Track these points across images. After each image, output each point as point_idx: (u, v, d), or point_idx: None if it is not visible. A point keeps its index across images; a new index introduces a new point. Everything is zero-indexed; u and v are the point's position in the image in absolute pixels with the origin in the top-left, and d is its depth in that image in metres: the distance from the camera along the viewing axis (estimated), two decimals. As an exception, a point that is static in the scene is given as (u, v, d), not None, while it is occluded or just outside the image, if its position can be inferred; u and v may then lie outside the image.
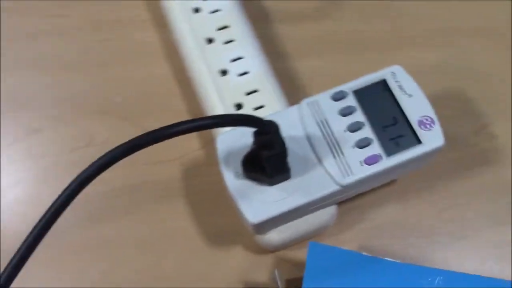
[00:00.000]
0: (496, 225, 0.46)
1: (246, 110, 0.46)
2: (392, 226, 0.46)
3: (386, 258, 0.40)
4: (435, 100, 0.41)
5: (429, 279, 0.39)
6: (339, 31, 0.55)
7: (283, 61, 0.53)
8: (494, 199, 0.47)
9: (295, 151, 0.40)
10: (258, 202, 0.38)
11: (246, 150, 0.38)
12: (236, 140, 0.40)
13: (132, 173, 0.48)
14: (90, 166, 0.27)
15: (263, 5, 0.56)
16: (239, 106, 0.46)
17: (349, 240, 0.46)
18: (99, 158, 0.27)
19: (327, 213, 0.43)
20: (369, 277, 0.40)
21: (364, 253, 0.40)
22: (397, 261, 0.40)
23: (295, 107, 0.42)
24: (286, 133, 0.39)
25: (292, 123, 0.41)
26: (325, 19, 0.55)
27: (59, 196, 0.27)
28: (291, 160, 0.38)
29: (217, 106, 0.46)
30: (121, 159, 0.28)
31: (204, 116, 0.37)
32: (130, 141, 0.28)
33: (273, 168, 0.37)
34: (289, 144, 0.38)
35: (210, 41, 0.49)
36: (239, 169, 0.39)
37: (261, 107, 0.46)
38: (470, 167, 0.49)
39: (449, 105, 0.51)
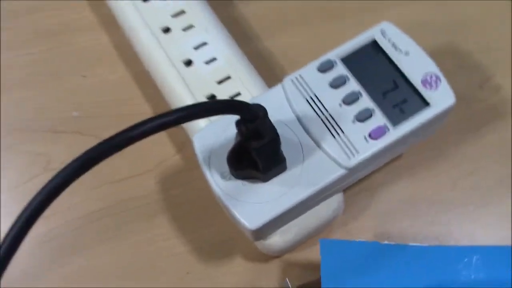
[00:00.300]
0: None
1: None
2: (407, 206, 0.41)
3: (409, 244, 0.34)
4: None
5: (465, 260, 0.34)
6: (308, 1, 0.49)
7: (253, 42, 0.48)
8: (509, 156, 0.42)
9: (287, 138, 0.34)
10: (254, 203, 0.32)
11: (230, 145, 0.32)
12: (216, 135, 0.34)
13: (104, 193, 0.42)
14: (34, 198, 0.20)
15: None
16: (212, 97, 0.40)
17: (362, 229, 0.40)
18: (47, 184, 0.21)
19: (333, 203, 0.37)
20: (395, 268, 0.34)
21: (384, 242, 0.35)
22: (423, 244, 0.35)
23: (277, 87, 0.36)
24: (273, 118, 0.33)
25: (278, 105, 0.35)
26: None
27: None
28: (284, 148, 0.33)
29: (187, 102, 0.40)
30: (75, 179, 0.21)
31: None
32: (82, 155, 0.22)
33: (265, 161, 0.31)
34: (279, 130, 0.32)
35: (166, 30, 0.43)
36: (225, 168, 0.33)
37: (237, 95, 0.40)
38: (482, 125, 0.43)
39: (446, 62, 0.45)
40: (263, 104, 0.32)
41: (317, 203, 0.35)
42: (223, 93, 0.40)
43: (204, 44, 0.42)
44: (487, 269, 0.33)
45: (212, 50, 0.42)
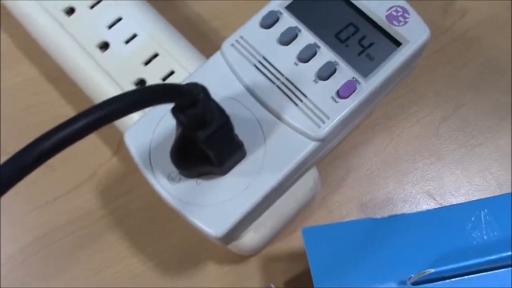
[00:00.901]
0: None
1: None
2: (389, 166, 0.35)
3: (405, 213, 0.29)
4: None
5: (473, 219, 0.28)
6: None
7: (177, 8, 0.40)
8: (494, 85, 0.37)
9: (240, 116, 0.27)
10: (215, 205, 0.26)
11: (171, 138, 0.26)
12: (151, 129, 0.27)
13: (38, 219, 0.35)
14: None
15: None
16: (141, 82, 0.33)
17: (344, 202, 0.35)
18: None
19: (308, 182, 0.31)
20: (394, 244, 0.29)
21: (377, 217, 0.29)
22: (420, 210, 0.29)
23: (216, 55, 0.29)
24: (219, 96, 0.26)
25: (221, 78, 0.28)
26: None
27: None
28: (239, 130, 0.26)
29: (112, 93, 0.32)
30: None
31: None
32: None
33: (218, 152, 0.25)
34: (228, 109, 0.26)
35: (70, 11, 0.35)
36: (172, 168, 0.26)
37: (171, 74, 0.33)
38: (454, 55, 0.38)
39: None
40: (202, 80, 0.26)
41: (290, 186, 0.29)
42: (153, 75, 0.33)
43: (119, 19, 0.34)
44: (501, 224, 0.28)
45: (130, 25, 0.34)
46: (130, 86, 0.33)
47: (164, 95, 0.20)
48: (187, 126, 0.23)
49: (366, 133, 0.36)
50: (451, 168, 0.35)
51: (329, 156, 0.35)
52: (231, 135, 0.25)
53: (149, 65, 0.33)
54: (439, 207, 0.29)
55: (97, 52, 0.34)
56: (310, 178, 0.31)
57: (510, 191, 0.34)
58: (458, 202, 0.34)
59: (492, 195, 0.34)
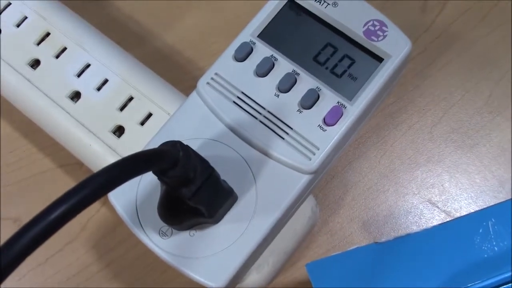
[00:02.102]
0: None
1: (130, 130, 0.31)
2: (387, 178, 0.34)
3: (411, 232, 0.28)
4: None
5: (481, 230, 0.27)
6: None
7: (147, 42, 0.39)
8: (485, 79, 0.36)
9: (226, 158, 0.26)
10: (211, 256, 0.25)
11: (158, 191, 0.24)
12: (135, 184, 0.26)
13: (34, 281, 0.34)
14: None
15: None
16: (119, 130, 0.32)
17: (346, 224, 0.33)
18: None
19: (306, 211, 0.30)
20: (404, 266, 0.27)
21: (382, 240, 0.28)
22: (426, 227, 0.28)
23: (192, 96, 0.28)
24: (201, 139, 0.25)
25: (201, 120, 0.27)
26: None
27: None
28: (227, 174, 0.25)
29: (90, 145, 0.31)
30: None
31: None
32: None
33: (208, 204, 0.23)
34: (213, 152, 0.25)
35: (35, 63, 0.33)
36: (162, 223, 0.25)
37: (148, 116, 0.31)
38: (438, 55, 0.37)
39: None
40: (181, 125, 0.25)
41: (287, 220, 0.28)
42: (130, 120, 0.31)
43: (87, 66, 0.33)
44: (510, 233, 0.27)
45: (99, 71, 0.33)
46: (107, 135, 0.31)
47: (142, 166, 0.19)
48: (171, 185, 0.22)
49: (359, 148, 0.35)
50: (450, 172, 0.34)
51: (324, 177, 0.34)
52: (218, 185, 0.23)
53: (125, 110, 0.32)
54: (443, 223, 0.28)
55: (69, 103, 0.32)
56: (307, 207, 0.30)
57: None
58: (462, 206, 0.33)
59: (495, 195, 0.33)
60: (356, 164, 0.34)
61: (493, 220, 0.27)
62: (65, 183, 0.35)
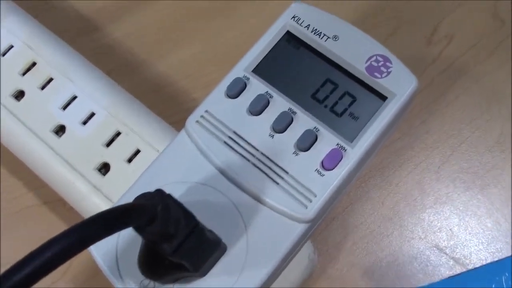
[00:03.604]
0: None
1: (116, 168, 0.29)
2: (391, 221, 0.32)
3: (419, 287, 0.25)
4: (357, 27, 0.27)
5: (493, 286, 0.25)
6: (174, 8, 0.39)
7: (137, 72, 0.37)
8: (495, 115, 0.34)
9: (215, 204, 0.24)
10: (198, 312, 0.22)
11: (139, 240, 0.22)
12: (115, 234, 0.24)
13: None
14: None
15: (67, 12, 0.39)
16: (105, 167, 0.30)
17: (346, 269, 0.31)
18: None
19: (303, 260, 0.28)
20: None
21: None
22: (434, 282, 0.26)
23: (181, 135, 0.26)
24: (189, 183, 0.23)
25: (189, 161, 0.25)
26: (144, 5, 0.39)
27: None
28: (215, 222, 0.23)
29: (73, 183, 0.29)
30: None
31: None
32: None
33: (192, 259, 0.21)
34: (200, 197, 0.23)
35: (20, 94, 0.32)
36: (142, 277, 0.23)
37: (136, 153, 0.29)
38: (445, 88, 0.35)
39: (375, 25, 0.36)
40: (167, 168, 0.23)
41: (282, 270, 0.26)
42: (117, 157, 0.30)
43: (73, 98, 0.31)
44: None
45: (86, 103, 0.31)
46: (92, 173, 0.29)
47: (114, 225, 0.17)
48: (150, 240, 0.20)
49: (361, 187, 0.33)
50: (459, 215, 0.32)
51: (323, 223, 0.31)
52: (203, 238, 0.21)
53: (112, 145, 0.30)
54: (452, 276, 0.26)
55: (53, 138, 0.30)
56: (304, 255, 0.28)
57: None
58: (472, 253, 0.31)
59: (508, 241, 0.31)
60: (357, 205, 0.32)
61: (507, 275, 0.25)
62: (49, 221, 0.33)
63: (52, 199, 0.34)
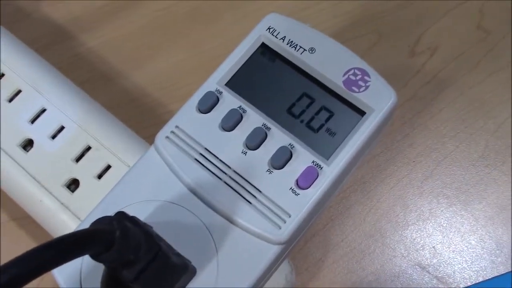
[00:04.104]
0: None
1: (86, 184, 0.28)
2: (372, 238, 0.31)
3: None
4: (337, 40, 0.25)
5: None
6: (150, 18, 0.37)
7: (112, 83, 0.36)
8: (480, 129, 0.33)
9: (185, 224, 0.23)
10: None
11: (101, 270, 0.21)
12: (80, 261, 0.23)
13: None
14: None
15: (42, 21, 0.38)
16: (74, 183, 0.28)
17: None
18: None
19: (279, 280, 0.27)
20: None
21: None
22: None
23: (150, 151, 0.25)
24: (157, 202, 0.22)
25: (159, 179, 0.24)
26: (122, 12, 0.38)
27: None
28: (184, 242, 0.22)
29: (41, 201, 0.28)
30: None
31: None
32: None
33: (155, 285, 0.20)
34: (170, 220, 0.21)
35: (-14, 107, 0.30)
36: (107, 302, 0.22)
37: (107, 168, 0.28)
38: (429, 100, 0.34)
39: (357, 36, 0.35)
40: (135, 185, 0.22)
41: (256, 293, 0.25)
42: (86, 173, 0.28)
43: (43, 111, 0.30)
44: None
45: (55, 116, 0.30)
46: (60, 190, 0.28)
47: (66, 254, 0.16)
48: (111, 269, 0.18)
49: (342, 203, 0.31)
50: (442, 232, 0.31)
51: (303, 241, 0.30)
52: (168, 263, 0.20)
53: (81, 161, 0.29)
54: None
55: (20, 152, 0.29)
56: (280, 276, 0.27)
57: (512, 252, 0.30)
58: (455, 271, 0.30)
59: (493, 260, 0.30)
60: (338, 221, 0.31)
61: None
62: (18, 238, 0.32)
63: (21, 216, 0.32)
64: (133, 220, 0.19)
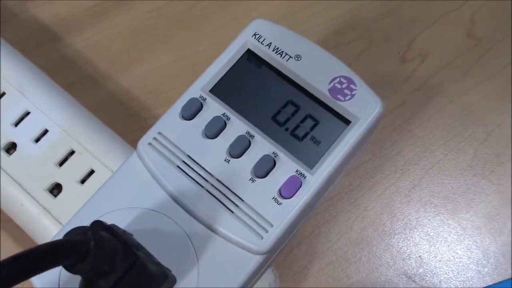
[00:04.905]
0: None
1: (68, 189, 0.28)
2: (358, 247, 0.31)
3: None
4: (327, 46, 0.25)
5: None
6: (139, 20, 0.37)
7: (99, 86, 0.35)
8: (469, 137, 0.33)
9: (165, 232, 0.23)
10: None
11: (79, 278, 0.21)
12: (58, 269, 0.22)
13: None
14: None
15: (30, 23, 0.37)
16: (56, 188, 0.28)
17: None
18: None
19: (263, 286, 0.26)
20: None
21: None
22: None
23: (132, 157, 0.24)
24: (139, 209, 0.22)
25: (140, 186, 0.23)
26: (110, 13, 0.37)
27: None
28: (164, 250, 0.21)
29: (22, 205, 0.28)
30: None
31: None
32: None
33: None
34: (151, 227, 0.21)
35: (-30, 109, 0.30)
36: (85, 311, 0.21)
37: (90, 173, 0.28)
38: (418, 108, 0.33)
39: (348, 41, 0.35)
40: (116, 192, 0.22)
41: (238, 302, 0.24)
42: (69, 177, 0.28)
43: (27, 114, 0.29)
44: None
45: (39, 120, 0.29)
46: (42, 194, 0.28)
47: (38, 265, 0.15)
48: (87, 279, 0.18)
49: (328, 210, 0.31)
50: (429, 241, 0.31)
51: (288, 249, 0.30)
52: (146, 272, 0.20)
53: (64, 165, 0.28)
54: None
55: (3, 156, 0.29)
56: (264, 283, 0.26)
57: (500, 262, 0.30)
58: (441, 281, 0.30)
59: (479, 270, 0.30)
60: (324, 228, 0.31)
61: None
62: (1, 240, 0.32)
63: (3, 218, 0.32)
64: (110, 229, 0.18)
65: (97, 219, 0.19)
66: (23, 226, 0.28)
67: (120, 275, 0.18)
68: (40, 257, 0.15)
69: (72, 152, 0.28)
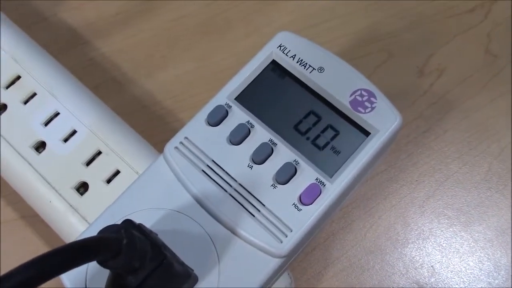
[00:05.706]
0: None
1: (94, 188, 0.29)
2: (372, 255, 0.31)
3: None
4: (345, 58, 0.26)
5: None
6: (164, 27, 0.38)
7: (124, 90, 0.36)
8: (484, 152, 0.33)
9: (189, 233, 0.24)
10: None
11: (107, 274, 0.22)
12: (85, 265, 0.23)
13: None
14: None
15: (58, 26, 0.38)
16: (83, 186, 0.29)
17: (325, 303, 0.30)
18: None
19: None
20: None
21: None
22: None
23: (159, 160, 0.25)
24: (164, 210, 0.23)
25: (166, 188, 0.25)
26: (135, 20, 0.38)
27: None
28: (188, 251, 0.22)
29: (50, 201, 0.29)
30: None
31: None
32: None
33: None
34: (175, 228, 0.22)
35: (2, 108, 0.31)
36: (111, 305, 0.22)
37: (116, 174, 0.29)
38: (434, 121, 0.34)
39: (368, 54, 0.36)
40: (143, 193, 0.23)
41: (255, 304, 0.25)
42: (96, 177, 0.29)
43: (56, 114, 0.31)
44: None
45: (68, 120, 0.30)
46: (70, 192, 0.29)
47: (76, 259, 0.16)
48: (117, 274, 0.19)
49: (343, 218, 0.32)
50: (441, 252, 0.31)
51: (302, 253, 0.31)
52: (171, 271, 0.21)
53: (91, 165, 0.29)
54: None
55: (32, 153, 0.30)
56: (280, 285, 0.27)
57: (510, 275, 0.30)
58: (453, 291, 0.30)
59: (489, 282, 0.30)
60: (339, 235, 0.32)
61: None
62: (23, 237, 0.33)
63: (30, 214, 0.33)
64: (140, 228, 0.20)
65: (125, 218, 0.20)
66: (51, 223, 0.30)
67: (149, 272, 0.19)
68: (78, 252, 0.16)
69: (99, 153, 0.30)
